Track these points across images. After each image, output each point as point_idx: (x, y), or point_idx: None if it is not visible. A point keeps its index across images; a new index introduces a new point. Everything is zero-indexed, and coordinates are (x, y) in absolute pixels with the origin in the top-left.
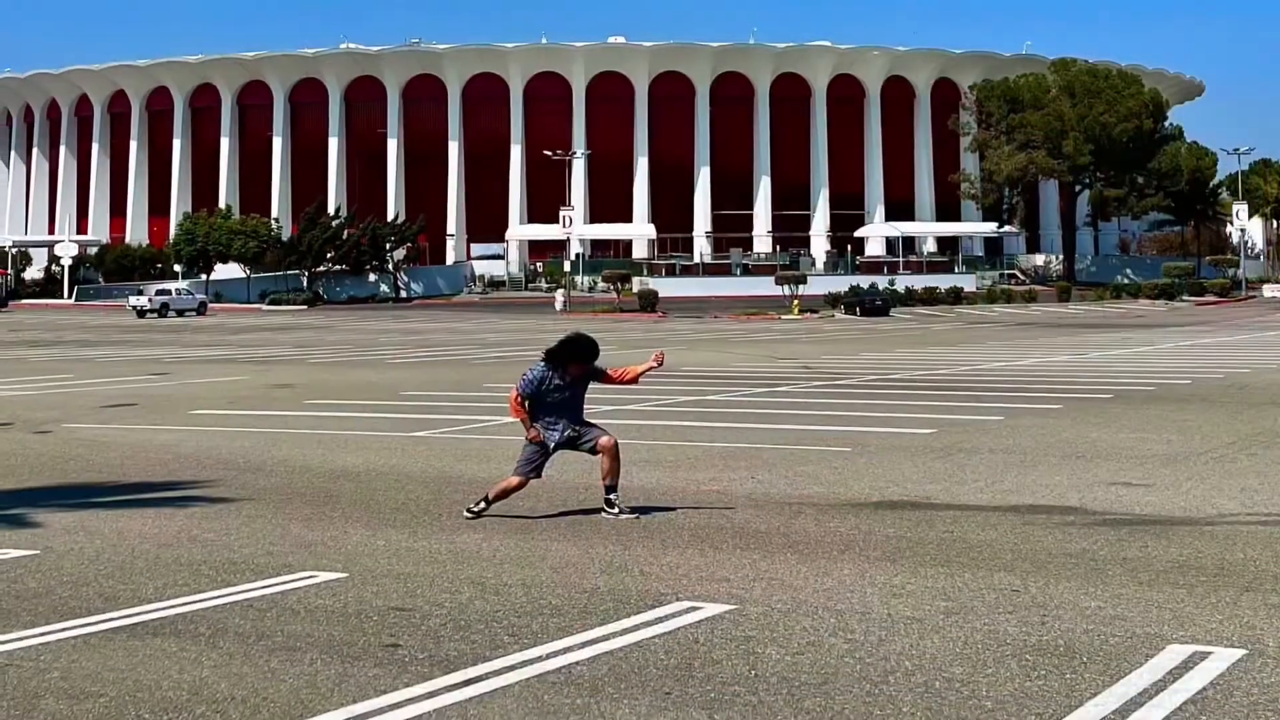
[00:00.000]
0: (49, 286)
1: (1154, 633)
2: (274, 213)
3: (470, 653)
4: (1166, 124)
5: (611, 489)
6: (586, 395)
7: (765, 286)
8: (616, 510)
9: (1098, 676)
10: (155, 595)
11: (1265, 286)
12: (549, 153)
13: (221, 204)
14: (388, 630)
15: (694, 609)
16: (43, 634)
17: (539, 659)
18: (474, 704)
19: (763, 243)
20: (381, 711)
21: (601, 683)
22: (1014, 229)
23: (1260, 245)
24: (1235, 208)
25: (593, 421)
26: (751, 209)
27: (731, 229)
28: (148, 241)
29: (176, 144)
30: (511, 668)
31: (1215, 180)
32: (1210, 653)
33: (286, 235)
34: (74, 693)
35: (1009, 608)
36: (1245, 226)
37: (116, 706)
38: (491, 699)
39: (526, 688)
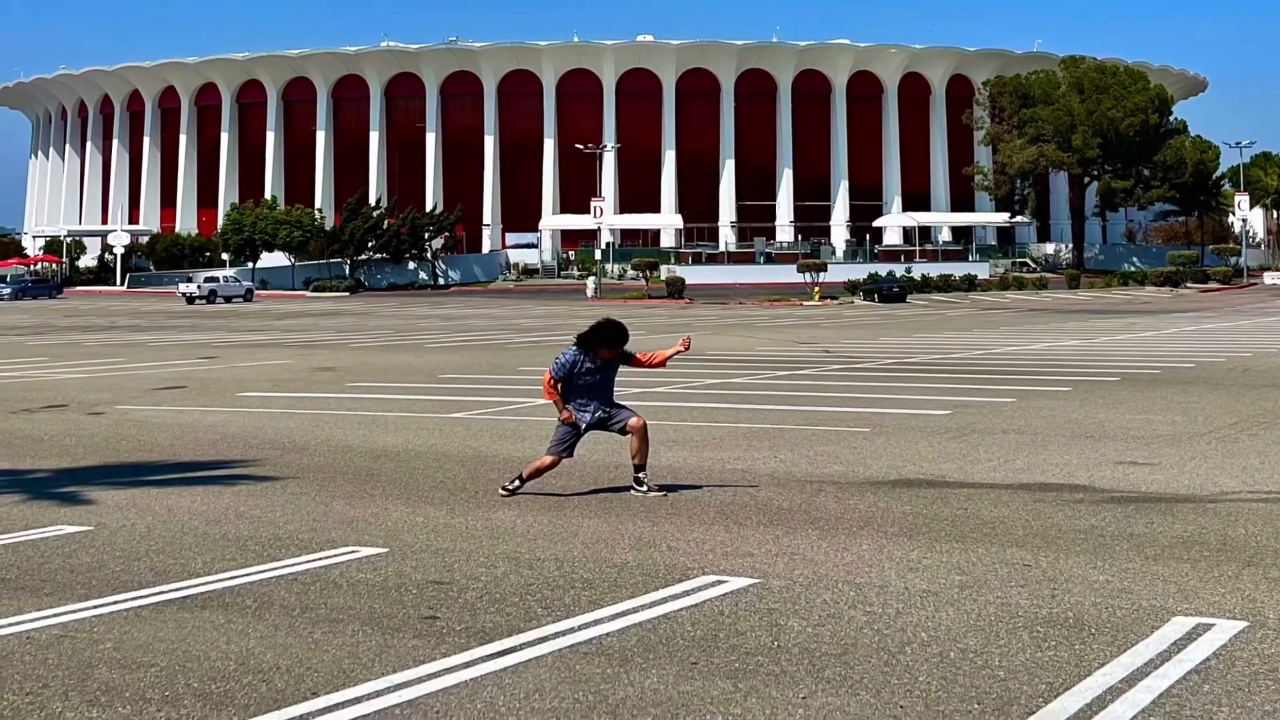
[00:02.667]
0: (102, 274)
1: (1159, 605)
2: (317, 203)
3: (505, 624)
4: (1171, 119)
5: (640, 468)
6: (616, 378)
7: (788, 274)
8: (645, 488)
9: (1106, 647)
10: (204, 569)
11: (1266, 274)
12: (580, 146)
13: (267, 195)
14: (426, 603)
15: (719, 582)
16: (96, 607)
17: (571, 630)
18: (509, 673)
19: (785, 232)
20: (421, 680)
21: (631, 653)
22: (1025, 219)
23: (1261, 234)
24: (1237, 199)
25: (622, 403)
26: (774, 200)
27: (755, 219)
28: (196, 231)
29: (224, 138)
30: (545, 639)
31: (1218, 173)
32: (1213, 624)
33: (329, 225)
34: (126, 663)
35: (1021, 581)
36: (1247, 217)
37: (167, 676)
38: (526, 668)
39: (559, 658)
